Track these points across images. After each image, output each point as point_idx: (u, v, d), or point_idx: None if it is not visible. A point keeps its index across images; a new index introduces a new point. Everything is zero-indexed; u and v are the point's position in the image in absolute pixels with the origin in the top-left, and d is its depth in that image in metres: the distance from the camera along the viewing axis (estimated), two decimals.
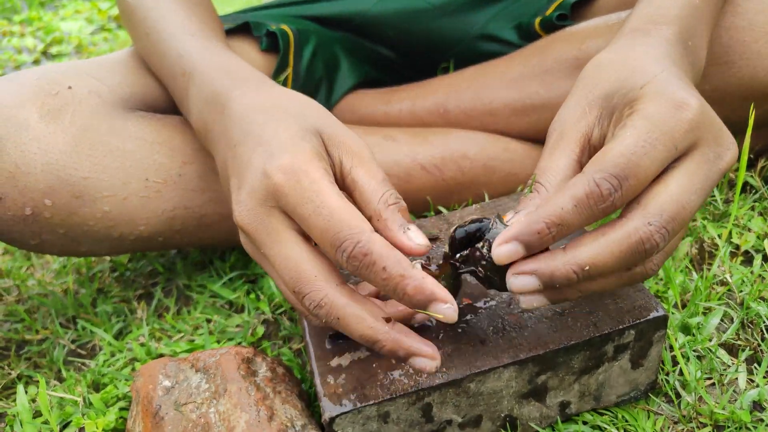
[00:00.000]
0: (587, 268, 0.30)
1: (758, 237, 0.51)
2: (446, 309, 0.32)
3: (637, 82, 0.34)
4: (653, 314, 0.36)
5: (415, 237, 0.35)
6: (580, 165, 0.34)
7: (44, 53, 2.04)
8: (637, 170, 0.30)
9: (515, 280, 0.31)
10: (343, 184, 0.37)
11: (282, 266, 0.34)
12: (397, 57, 0.75)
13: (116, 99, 0.52)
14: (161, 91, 0.55)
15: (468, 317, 0.38)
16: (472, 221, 0.35)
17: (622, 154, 0.30)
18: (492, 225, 0.34)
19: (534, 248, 0.31)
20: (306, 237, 0.35)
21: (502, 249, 0.31)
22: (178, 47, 0.49)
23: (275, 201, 0.34)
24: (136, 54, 0.57)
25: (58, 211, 0.47)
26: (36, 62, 2.01)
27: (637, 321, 0.36)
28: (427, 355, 0.34)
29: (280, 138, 0.36)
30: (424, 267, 0.35)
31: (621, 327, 0.36)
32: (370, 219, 0.36)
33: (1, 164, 0.45)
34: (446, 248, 0.36)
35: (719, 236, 0.52)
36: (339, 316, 0.33)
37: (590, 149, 0.35)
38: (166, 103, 0.56)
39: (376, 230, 0.34)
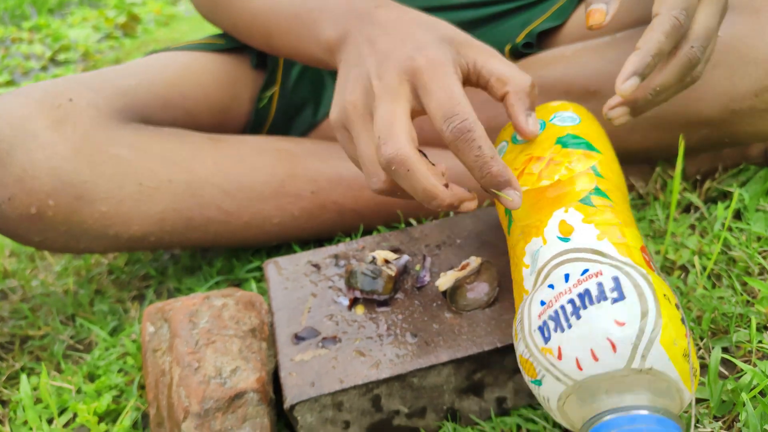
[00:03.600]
0: (657, 88, 0.44)
1: (692, 253, 0.56)
2: (515, 195, 0.39)
3: None
4: None
5: (533, 124, 0.43)
6: None
7: (52, 60, 2.11)
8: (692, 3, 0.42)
9: (624, 87, 0.42)
10: (477, 80, 0.44)
11: (380, 118, 0.40)
12: None
13: (112, 111, 0.58)
14: (152, 102, 0.61)
15: (416, 320, 0.44)
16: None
17: None
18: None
19: (646, 76, 0.42)
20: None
21: (627, 83, 0.41)
22: None
23: (411, 77, 0.41)
24: (131, 66, 0.63)
25: (61, 211, 0.53)
26: (44, 68, 2.07)
27: None
28: (472, 199, 0.41)
29: (425, 38, 0.43)
30: None
31: None
32: (503, 97, 0.43)
33: (11, 168, 0.51)
34: (411, 260, 0.42)
35: (657, 252, 0.57)
36: (410, 169, 0.38)
37: None
38: (156, 114, 0.62)
39: (507, 107, 0.43)
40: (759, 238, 0.56)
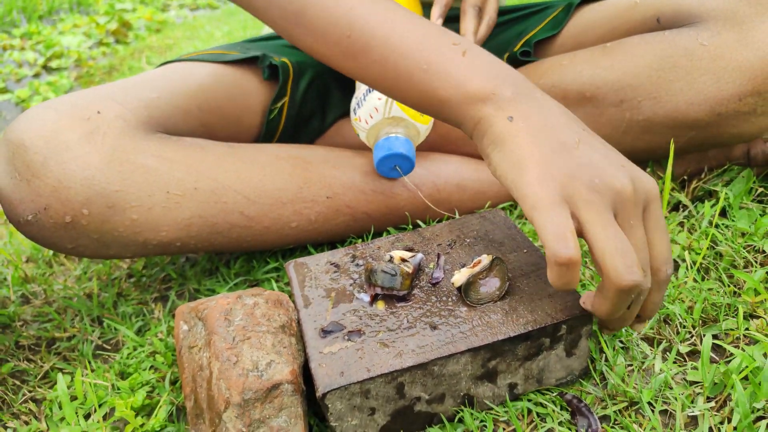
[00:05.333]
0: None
1: (683, 248, 0.61)
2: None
3: None
4: (581, 312, 0.46)
5: None
6: None
7: (44, 67, 2.12)
8: None
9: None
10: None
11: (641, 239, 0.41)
12: None
13: (138, 122, 0.60)
14: (173, 114, 0.64)
15: (434, 313, 0.48)
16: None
17: None
18: None
19: None
20: None
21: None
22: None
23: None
24: (151, 78, 0.66)
25: (94, 219, 0.56)
26: (36, 76, 2.08)
27: (568, 317, 0.46)
28: None
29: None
30: None
31: (555, 322, 0.45)
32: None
33: (46, 180, 0.54)
34: (434, 261, 0.46)
35: None
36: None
37: None
38: (177, 125, 0.65)
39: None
40: (743, 234, 0.61)
